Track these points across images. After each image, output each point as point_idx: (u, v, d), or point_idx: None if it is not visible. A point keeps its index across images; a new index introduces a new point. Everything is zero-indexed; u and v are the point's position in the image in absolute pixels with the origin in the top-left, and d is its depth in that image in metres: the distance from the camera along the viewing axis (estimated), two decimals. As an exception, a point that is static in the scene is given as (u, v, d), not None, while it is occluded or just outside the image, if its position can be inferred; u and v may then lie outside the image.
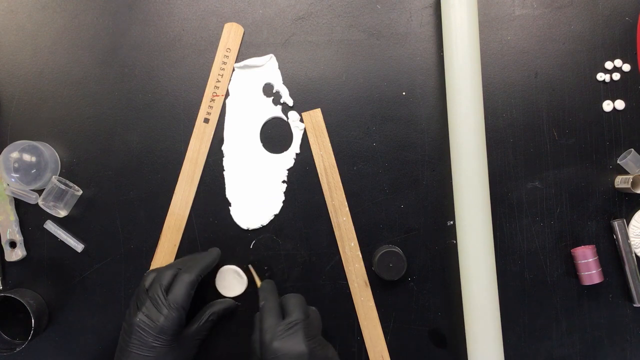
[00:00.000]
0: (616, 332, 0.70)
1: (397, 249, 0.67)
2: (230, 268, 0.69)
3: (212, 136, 0.70)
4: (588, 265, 0.68)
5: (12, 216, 0.68)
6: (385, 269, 0.67)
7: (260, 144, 0.70)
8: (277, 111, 0.70)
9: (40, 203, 0.67)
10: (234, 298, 0.69)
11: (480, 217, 0.65)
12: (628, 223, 0.69)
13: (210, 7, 0.71)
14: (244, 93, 0.70)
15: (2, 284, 0.69)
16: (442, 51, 0.69)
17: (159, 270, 0.63)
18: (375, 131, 0.70)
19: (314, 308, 0.65)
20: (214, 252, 0.67)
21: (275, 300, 0.63)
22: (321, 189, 0.70)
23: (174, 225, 0.69)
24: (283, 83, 0.70)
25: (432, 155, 0.70)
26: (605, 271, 0.69)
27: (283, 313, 0.62)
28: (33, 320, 0.65)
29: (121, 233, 0.70)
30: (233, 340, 0.69)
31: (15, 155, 0.67)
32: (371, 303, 0.69)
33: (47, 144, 0.69)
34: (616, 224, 0.69)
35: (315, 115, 0.70)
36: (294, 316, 0.60)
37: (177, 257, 0.69)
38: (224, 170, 0.70)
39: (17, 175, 0.67)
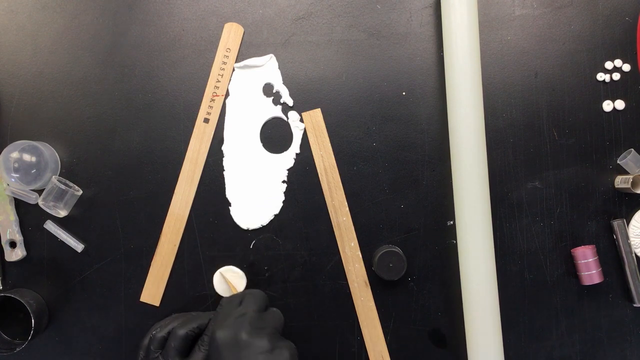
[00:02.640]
0: (616, 332, 0.70)
1: (397, 249, 0.67)
2: (230, 269, 0.69)
3: (212, 136, 0.70)
4: (588, 265, 0.68)
5: (12, 216, 0.68)
6: (385, 269, 0.67)
7: (260, 144, 0.70)
8: (277, 111, 0.70)
9: (40, 203, 0.67)
10: (234, 298, 0.69)
11: (480, 217, 0.65)
12: (628, 223, 0.69)
13: (210, 7, 0.71)
14: (244, 93, 0.70)
15: (2, 284, 0.69)
16: (442, 51, 0.69)
17: (172, 333, 0.62)
18: (375, 131, 0.70)
19: (275, 309, 0.63)
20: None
21: (236, 295, 0.63)
22: (321, 189, 0.70)
23: (174, 225, 0.69)
24: (283, 83, 0.70)
25: (432, 155, 0.70)
26: (605, 271, 0.69)
27: None
28: (33, 320, 0.65)
29: (121, 233, 0.70)
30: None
31: (15, 155, 0.67)
32: (371, 303, 0.69)
33: (47, 144, 0.69)
34: (616, 224, 0.69)
35: (315, 115, 0.70)
36: (242, 307, 0.59)
37: (177, 257, 0.69)
38: (224, 170, 0.70)
39: (17, 175, 0.67)
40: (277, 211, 0.70)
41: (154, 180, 0.70)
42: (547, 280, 0.70)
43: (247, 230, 0.70)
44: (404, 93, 0.70)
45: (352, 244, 0.69)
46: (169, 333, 0.62)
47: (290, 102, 0.70)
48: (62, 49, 0.70)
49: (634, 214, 0.69)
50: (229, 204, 0.70)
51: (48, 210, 0.68)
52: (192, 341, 0.62)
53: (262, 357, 0.55)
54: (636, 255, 0.69)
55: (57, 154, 0.69)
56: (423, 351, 0.70)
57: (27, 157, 0.67)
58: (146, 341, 0.63)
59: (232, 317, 0.58)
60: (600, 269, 0.68)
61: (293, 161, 0.70)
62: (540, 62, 0.70)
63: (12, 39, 0.70)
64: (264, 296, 0.62)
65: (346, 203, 0.70)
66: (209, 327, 0.60)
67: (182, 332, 0.61)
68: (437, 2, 0.70)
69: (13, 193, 0.68)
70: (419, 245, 0.70)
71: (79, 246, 0.69)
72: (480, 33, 0.69)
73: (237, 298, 0.62)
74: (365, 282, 0.69)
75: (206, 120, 0.70)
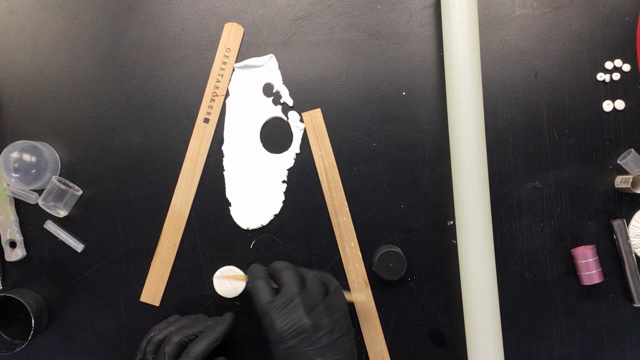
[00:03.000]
0: (616, 332, 0.70)
1: (397, 249, 0.67)
2: (230, 269, 0.69)
3: (212, 136, 0.70)
4: (588, 265, 0.68)
5: (12, 216, 0.68)
6: (385, 269, 0.67)
7: (260, 144, 0.70)
8: (277, 111, 0.70)
9: (40, 203, 0.67)
10: (233, 299, 0.69)
11: (480, 217, 0.65)
12: (628, 223, 0.69)
13: (210, 7, 0.71)
14: (244, 93, 0.70)
15: (2, 284, 0.69)
16: (442, 51, 0.69)
17: (167, 338, 0.61)
18: (375, 131, 0.70)
19: (311, 275, 0.61)
20: (228, 319, 0.64)
21: (261, 277, 0.61)
22: (321, 189, 0.70)
23: (174, 225, 0.69)
24: (283, 83, 0.70)
25: (432, 155, 0.70)
26: (605, 271, 0.69)
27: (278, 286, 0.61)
28: (33, 320, 0.65)
29: (121, 233, 0.70)
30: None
31: (15, 155, 0.67)
32: (371, 303, 0.69)
33: (47, 144, 0.69)
34: (616, 224, 0.69)
35: (315, 115, 0.70)
36: (287, 291, 0.59)
37: (177, 257, 0.69)
38: (224, 170, 0.70)
39: (17, 175, 0.67)
40: (277, 211, 0.70)
41: (154, 180, 0.70)
42: (547, 280, 0.70)
43: (247, 230, 0.70)
44: (404, 93, 0.70)
45: (352, 244, 0.69)
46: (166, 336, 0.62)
47: (290, 102, 0.70)
48: (62, 49, 0.70)
49: (634, 214, 0.69)
50: (229, 204, 0.70)
51: (48, 210, 0.67)
52: (185, 347, 0.62)
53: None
54: (636, 255, 0.69)
55: (57, 154, 0.69)
56: (423, 351, 0.70)
57: (27, 157, 0.67)
58: (144, 343, 0.63)
59: (280, 304, 0.58)
60: (600, 269, 0.68)
61: (293, 161, 0.70)
62: (540, 62, 0.70)
63: (12, 39, 0.70)
64: (294, 269, 0.61)
65: (346, 203, 0.70)
66: (261, 321, 0.59)
67: (177, 338, 0.61)
68: (437, 2, 0.70)
69: (13, 193, 0.68)
70: (419, 245, 0.70)
71: (79, 246, 0.69)
72: (480, 33, 0.69)
73: (263, 281, 0.60)
74: (365, 282, 0.69)
75: (206, 120, 0.70)
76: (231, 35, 0.70)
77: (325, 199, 0.70)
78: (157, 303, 0.69)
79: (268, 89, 0.70)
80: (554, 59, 0.70)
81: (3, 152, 0.67)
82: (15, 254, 0.68)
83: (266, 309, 0.58)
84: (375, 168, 0.70)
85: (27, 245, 0.69)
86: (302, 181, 0.70)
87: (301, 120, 0.70)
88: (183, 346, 0.61)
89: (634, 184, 0.67)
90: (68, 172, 0.70)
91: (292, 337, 0.57)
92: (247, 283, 0.63)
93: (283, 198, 0.70)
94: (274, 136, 0.70)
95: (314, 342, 0.57)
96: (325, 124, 0.70)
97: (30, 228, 0.69)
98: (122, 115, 0.70)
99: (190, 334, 0.62)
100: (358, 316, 0.69)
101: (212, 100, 0.70)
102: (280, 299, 0.58)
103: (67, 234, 0.69)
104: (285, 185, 0.70)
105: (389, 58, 0.70)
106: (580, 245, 0.69)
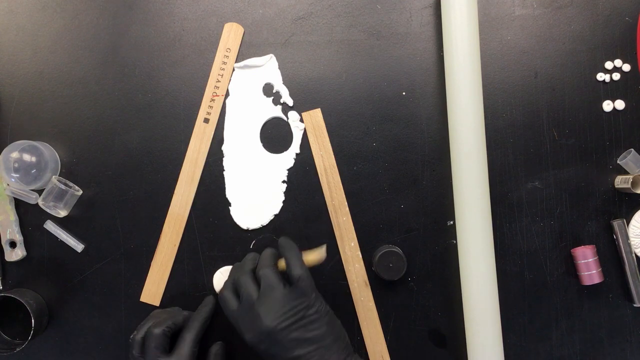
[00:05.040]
0: (616, 332, 0.70)
1: (397, 249, 0.67)
2: (230, 269, 0.69)
3: (212, 136, 0.70)
4: (588, 265, 0.68)
5: (12, 216, 0.68)
6: (385, 269, 0.67)
7: (260, 144, 0.70)
8: (277, 111, 0.70)
9: (40, 203, 0.67)
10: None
11: (480, 217, 0.65)
12: (628, 223, 0.69)
13: (210, 7, 0.71)
14: (244, 93, 0.70)
15: (2, 284, 0.69)
16: (442, 51, 0.69)
17: (147, 334, 0.62)
18: (375, 131, 0.70)
19: (262, 272, 0.60)
20: (209, 301, 0.67)
21: (226, 287, 0.62)
22: (321, 189, 0.70)
23: (174, 225, 0.69)
24: (283, 83, 0.70)
25: (432, 155, 0.70)
26: (605, 271, 0.69)
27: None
28: (33, 320, 0.65)
29: (121, 233, 0.70)
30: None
31: (15, 155, 0.67)
32: (371, 303, 0.69)
33: (47, 144, 0.69)
34: (616, 224, 0.69)
35: (315, 115, 0.70)
36: (246, 299, 0.59)
37: (177, 257, 0.69)
38: (224, 170, 0.70)
39: (17, 175, 0.67)
40: (277, 211, 0.70)
41: (154, 180, 0.70)
42: (547, 280, 0.70)
43: (247, 230, 0.70)
44: (404, 93, 0.70)
45: (352, 244, 0.69)
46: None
47: (290, 102, 0.70)
48: (62, 49, 0.70)
49: (634, 214, 0.69)
50: (229, 204, 0.70)
51: (48, 210, 0.68)
52: (171, 338, 0.62)
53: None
54: (636, 255, 0.69)
55: (57, 154, 0.69)
56: (423, 351, 0.70)
57: (27, 157, 0.67)
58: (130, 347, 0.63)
59: (241, 309, 0.59)
60: (600, 269, 0.68)
61: (293, 161, 0.70)
62: (540, 62, 0.70)
63: (12, 39, 0.70)
64: (248, 275, 0.61)
65: (346, 203, 0.70)
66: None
67: (158, 330, 0.61)
68: (437, 2, 0.70)
69: (13, 193, 0.68)
70: (419, 245, 0.70)
71: (79, 246, 0.69)
72: (480, 33, 0.69)
73: (227, 289, 0.61)
74: (365, 282, 0.69)
75: (206, 120, 0.70)
76: (231, 35, 0.70)
77: (325, 199, 0.70)
78: (157, 303, 0.69)
79: (268, 89, 0.71)
80: (554, 59, 0.70)
81: (3, 152, 0.67)
82: (15, 254, 0.68)
83: (233, 318, 0.60)
84: (375, 168, 0.70)
85: (27, 245, 0.69)
86: (302, 181, 0.70)
87: (301, 120, 0.70)
88: (167, 337, 0.62)
89: (634, 184, 0.67)
90: (68, 172, 0.70)
91: (259, 342, 0.58)
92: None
93: (283, 198, 0.70)
94: (274, 136, 0.70)
95: (281, 341, 0.57)
96: (325, 124, 0.70)
97: (30, 228, 0.69)
98: (122, 115, 0.70)
99: (171, 324, 0.62)
100: (358, 316, 0.69)
101: (212, 100, 0.70)
102: (242, 308, 0.59)
103: (67, 234, 0.69)
104: (285, 185, 0.70)
105: (389, 58, 0.70)
106: (580, 245, 0.69)
